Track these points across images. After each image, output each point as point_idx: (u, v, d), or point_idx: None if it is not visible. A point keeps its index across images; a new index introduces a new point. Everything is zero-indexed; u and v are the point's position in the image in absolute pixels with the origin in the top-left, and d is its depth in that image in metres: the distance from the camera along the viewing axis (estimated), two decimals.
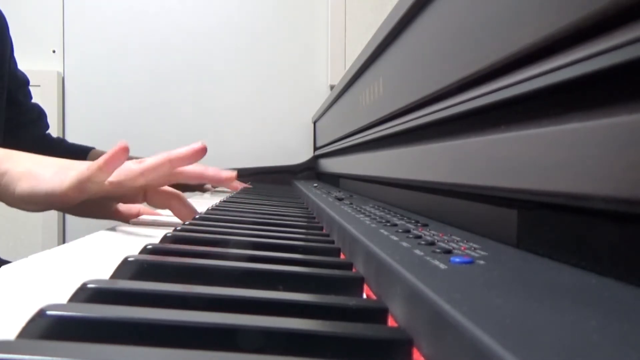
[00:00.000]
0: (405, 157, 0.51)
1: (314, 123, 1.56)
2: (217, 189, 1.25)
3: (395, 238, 0.33)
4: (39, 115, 1.07)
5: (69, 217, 1.55)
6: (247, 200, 0.81)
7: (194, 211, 0.56)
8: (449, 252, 0.28)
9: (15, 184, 0.49)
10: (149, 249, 0.34)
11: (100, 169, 0.45)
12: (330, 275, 0.30)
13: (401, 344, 0.20)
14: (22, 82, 1.02)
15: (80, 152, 1.05)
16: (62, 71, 1.55)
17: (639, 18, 0.18)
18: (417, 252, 0.28)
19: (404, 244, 0.31)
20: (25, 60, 1.12)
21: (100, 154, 1.04)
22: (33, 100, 1.08)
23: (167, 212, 0.58)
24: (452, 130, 0.38)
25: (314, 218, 0.62)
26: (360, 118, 0.73)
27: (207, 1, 1.60)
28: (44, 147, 1.00)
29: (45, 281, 0.29)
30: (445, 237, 0.33)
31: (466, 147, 0.35)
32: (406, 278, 0.22)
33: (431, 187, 0.44)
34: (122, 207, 0.59)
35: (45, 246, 1.37)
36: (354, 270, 0.34)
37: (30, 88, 1.07)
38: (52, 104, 1.49)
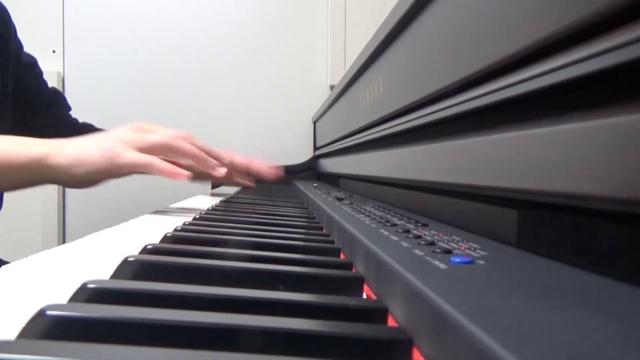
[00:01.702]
0: (405, 157, 0.51)
1: (314, 123, 1.56)
2: (215, 189, 1.25)
3: (395, 238, 0.33)
4: (54, 97, 1.01)
5: (69, 217, 1.55)
6: (247, 200, 0.81)
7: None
8: (449, 252, 0.28)
9: (70, 171, 0.57)
10: (149, 249, 0.34)
11: (159, 169, 0.57)
12: (330, 275, 0.30)
13: (401, 344, 0.20)
14: (28, 65, 0.97)
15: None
16: (62, 71, 1.55)
17: (639, 18, 0.18)
18: (417, 252, 0.28)
19: (404, 244, 0.31)
20: None
21: None
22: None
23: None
24: (452, 130, 0.38)
25: (314, 218, 0.62)
26: (360, 118, 0.73)
27: (207, 1, 1.60)
28: (67, 130, 0.94)
29: (45, 281, 0.29)
30: (445, 237, 0.33)
31: (466, 147, 0.35)
32: (406, 278, 0.22)
33: (431, 187, 0.44)
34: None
35: (45, 246, 1.37)
36: (354, 270, 0.34)
37: None
38: None
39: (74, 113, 1.10)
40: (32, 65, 0.99)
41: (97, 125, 1.07)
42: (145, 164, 0.57)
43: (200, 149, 0.65)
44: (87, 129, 1.01)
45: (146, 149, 0.59)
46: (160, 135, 0.62)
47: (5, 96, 0.85)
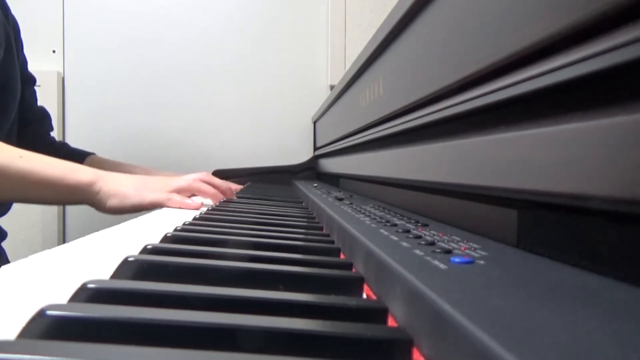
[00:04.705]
0: (405, 157, 0.51)
1: (314, 123, 1.56)
2: None
3: (395, 238, 0.33)
4: (43, 116, 1.09)
5: (69, 217, 1.55)
6: (247, 201, 0.81)
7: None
8: (449, 252, 0.28)
9: (107, 200, 0.73)
10: (149, 249, 0.34)
11: (175, 204, 0.73)
12: (330, 275, 0.30)
13: (401, 344, 0.20)
14: (30, 80, 1.04)
15: (78, 157, 1.08)
16: (62, 71, 1.55)
17: (639, 18, 0.18)
18: (417, 252, 0.28)
19: (404, 244, 0.31)
20: None
21: (98, 160, 1.06)
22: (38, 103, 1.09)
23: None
24: (452, 130, 0.38)
25: (314, 218, 0.62)
26: (360, 118, 0.73)
27: (207, 1, 1.60)
28: (45, 147, 1.02)
29: (45, 281, 0.29)
30: (445, 237, 0.33)
31: (466, 147, 0.35)
32: (406, 278, 0.22)
33: (431, 187, 0.44)
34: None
35: (45, 246, 1.37)
36: (354, 270, 0.34)
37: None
38: (52, 104, 1.49)
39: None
40: (32, 81, 1.07)
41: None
42: (165, 200, 0.74)
43: (215, 185, 0.84)
44: (64, 149, 1.13)
45: (172, 191, 0.77)
46: (183, 180, 0.80)
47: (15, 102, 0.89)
